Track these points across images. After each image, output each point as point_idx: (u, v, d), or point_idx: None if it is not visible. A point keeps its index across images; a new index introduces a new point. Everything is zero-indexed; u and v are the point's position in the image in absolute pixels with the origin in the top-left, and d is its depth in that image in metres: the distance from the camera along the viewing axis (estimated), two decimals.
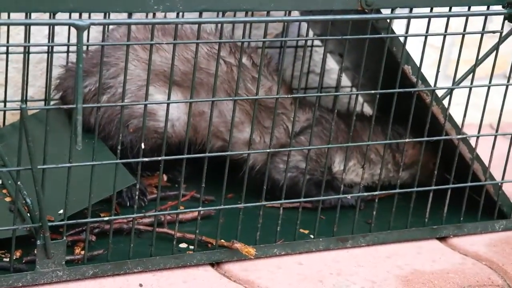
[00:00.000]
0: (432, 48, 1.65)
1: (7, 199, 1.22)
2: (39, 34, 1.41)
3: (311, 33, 1.50)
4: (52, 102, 1.29)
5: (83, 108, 0.97)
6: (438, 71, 1.24)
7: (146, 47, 1.25)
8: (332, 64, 1.62)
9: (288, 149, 1.19)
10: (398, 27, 1.43)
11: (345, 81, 1.58)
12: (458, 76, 1.27)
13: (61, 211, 1.12)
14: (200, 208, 1.18)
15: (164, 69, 1.25)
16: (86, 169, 1.08)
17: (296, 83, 1.59)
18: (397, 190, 1.28)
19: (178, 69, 1.25)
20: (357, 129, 1.33)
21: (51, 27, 1.02)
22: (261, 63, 1.12)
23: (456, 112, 1.35)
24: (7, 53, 1.34)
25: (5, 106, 1.36)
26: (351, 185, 1.37)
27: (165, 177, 1.37)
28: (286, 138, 1.31)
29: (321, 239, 1.26)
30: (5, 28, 1.32)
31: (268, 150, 1.18)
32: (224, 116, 1.28)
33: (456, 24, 1.60)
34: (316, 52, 1.63)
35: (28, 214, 1.14)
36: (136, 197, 1.13)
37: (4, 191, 1.24)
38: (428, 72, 1.49)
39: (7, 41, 1.33)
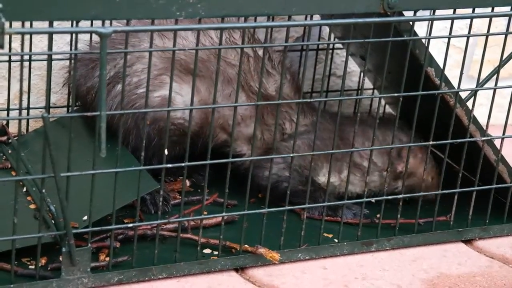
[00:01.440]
0: (454, 49, 1.64)
1: (32, 206, 1.23)
2: (61, 41, 1.42)
3: (332, 35, 1.49)
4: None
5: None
6: (461, 73, 1.23)
7: (164, 34, 1.24)
8: (353, 66, 1.61)
9: (270, 156, 1.17)
10: (420, 29, 1.42)
11: (367, 83, 1.57)
12: (481, 76, 1.26)
13: (85, 218, 1.12)
14: (224, 214, 1.18)
15: (180, 57, 1.24)
16: (109, 174, 1.08)
17: (317, 86, 1.58)
18: (421, 193, 1.27)
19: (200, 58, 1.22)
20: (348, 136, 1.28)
21: (74, 34, 1.02)
22: (283, 68, 1.12)
23: (479, 113, 1.34)
24: (29, 60, 1.34)
25: (28, 113, 1.37)
26: (353, 197, 1.32)
27: (188, 182, 1.37)
28: (280, 139, 1.30)
29: (345, 243, 1.25)
30: (28, 35, 1.33)
31: (250, 158, 1.15)
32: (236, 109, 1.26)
33: (479, 23, 1.59)
34: (337, 55, 1.62)
35: (53, 221, 1.14)
36: (160, 203, 1.13)
37: (29, 198, 1.25)
38: (451, 73, 1.48)
39: (30, 49, 1.34)
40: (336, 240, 1.26)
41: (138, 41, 1.24)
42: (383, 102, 1.56)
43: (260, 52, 1.28)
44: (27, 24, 1.18)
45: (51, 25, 0.97)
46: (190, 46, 1.23)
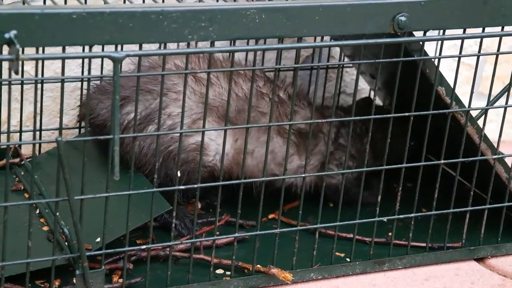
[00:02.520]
0: (464, 65, 1.64)
1: (45, 228, 1.23)
2: (73, 63, 1.43)
3: (342, 53, 1.49)
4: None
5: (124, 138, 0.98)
6: (472, 92, 1.23)
7: (200, 80, 1.25)
8: (363, 84, 1.61)
9: (281, 177, 1.19)
10: (431, 47, 1.43)
11: (377, 101, 1.57)
12: (492, 93, 1.26)
13: (99, 239, 1.12)
14: (236, 234, 1.18)
15: (217, 104, 1.26)
16: (123, 196, 1.08)
17: (327, 103, 1.59)
18: (433, 212, 1.27)
19: (231, 106, 1.24)
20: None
21: (88, 59, 1.03)
22: (295, 87, 1.12)
23: (490, 129, 1.34)
24: (42, 83, 1.35)
25: (40, 134, 1.37)
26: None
27: (199, 205, 1.38)
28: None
29: (357, 263, 1.25)
30: None
31: (261, 179, 1.17)
32: (275, 154, 1.30)
33: (488, 41, 1.59)
34: (347, 73, 1.63)
35: (66, 243, 1.15)
36: (188, 224, 1.17)
37: (42, 220, 1.25)
38: (461, 89, 1.48)
39: (42, 72, 1.35)
40: (349, 259, 1.26)
41: (172, 83, 1.25)
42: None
43: (281, 94, 1.32)
44: (40, 48, 1.18)
45: (64, 50, 0.98)
46: (224, 93, 1.25)
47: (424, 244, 1.29)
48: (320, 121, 1.25)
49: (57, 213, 1.06)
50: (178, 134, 1.11)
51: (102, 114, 1.28)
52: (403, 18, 1.11)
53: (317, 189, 1.28)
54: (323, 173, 1.21)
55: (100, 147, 1.29)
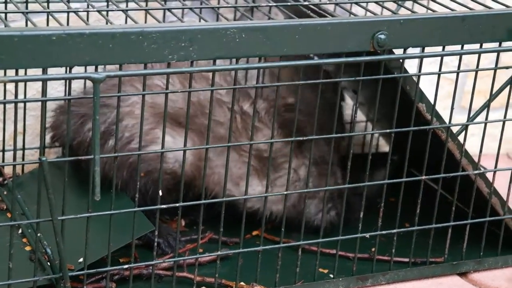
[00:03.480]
0: (446, 80, 1.65)
1: (27, 248, 1.23)
2: (55, 82, 1.43)
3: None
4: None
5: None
6: (452, 108, 1.24)
7: (152, 88, 1.25)
8: (346, 99, 1.62)
9: (264, 194, 1.18)
10: (411, 63, 1.44)
11: (360, 115, 1.58)
12: (472, 108, 1.27)
13: (81, 260, 1.12)
14: (219, 253, 1.18)
15: (169, 111, 1.25)
16: (105, 215, 1.08)
17: None
18: (415, 228, 1.28)
19: (184, 112, 1.22)
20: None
21: (68, 80, 1.03)
22: (275, 109, 1.13)
23: (471, 143, 1.35)
24: (24, 102, 1.35)
25: (23, 153, 1.37)
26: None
27: (183, 222, 1.38)
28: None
29: (340, 279, 1.25)
30: None
31: (243, 197, 1.17)
32: (230, 169, 1.25)
33: (469, 56, 1.60)
34: None
35: (48, 263, 1.15)
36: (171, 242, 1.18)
37: (24, 240, 1.25)
38: (442, 103, 1.49)
39: (25, 91, 1.35)
40: (332, 276, 1.26)
41: (127, 97, 1.25)
42: (375, 134, 1.57)
43: (246, 107, 1.30)
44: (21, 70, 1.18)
45: (44, 71, 0.99)
46: (178, 100, 1.25)
47: (407, 260, 1.30)
48: (281, 140, 1.23)
49: (39, 234, 1.05)
50: (136, 146, 1.10)
51: (64, 135, 1.28)
52: (382, 36, 1.12)
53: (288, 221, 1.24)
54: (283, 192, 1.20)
55: (84, 169, 1.29)
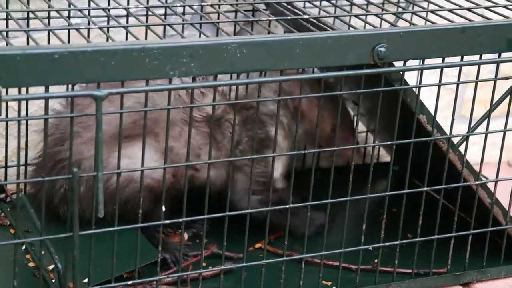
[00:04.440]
0: (446, 90, 1.66)
1: (31, 264, 1.23)
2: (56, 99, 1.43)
3: None
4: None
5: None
6: (453, 119, 1.25)
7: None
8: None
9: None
10: (412, 74, 1.44)
11: (361, 126, 1.59)
12: (473, 117, 1.27)
13: (86, 280, 1.12)
14: (222, 267, 1.18)
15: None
16: (111, 237, 1.08)
17: None
18: (418, 239, 1.28)
19: (127, 122, 1.21)
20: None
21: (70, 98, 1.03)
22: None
23: (472, 152, 1.35)
24: (26, 119, 1.35)
25: (26, 169, 1.37)
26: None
27: (186, 236, 1.38)
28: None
29: None
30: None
31: (247, 211, 1.16)
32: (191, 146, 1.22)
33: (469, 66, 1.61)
34: None
35: (53, 280, 1.15)
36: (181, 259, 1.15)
37: (28, 256, 1.25)
38: (442, 113, 1.49)
39: (27, 107, 1.35)
40: None
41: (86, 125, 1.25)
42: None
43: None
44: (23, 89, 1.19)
45: (47, 89, 0.99)
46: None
47: (410, 270, 1.30)
48: (224, 103, 1.23)
49: (42, 252, 1.06)
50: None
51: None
52: (382, 49, 1.12)
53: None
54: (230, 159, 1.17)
55: None
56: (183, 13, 1.44)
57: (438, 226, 1.29)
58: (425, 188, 1.25)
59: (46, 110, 1.00)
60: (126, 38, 1.37)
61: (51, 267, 1.20)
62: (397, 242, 1.27)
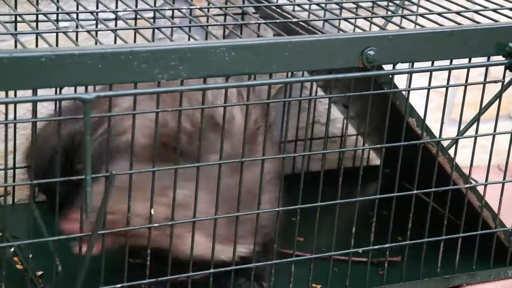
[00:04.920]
0: (436, 93, 1.66)
1: (19, 266, 1.23)
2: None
3: (314, 84, 1.51)
4: None
5: None
6: (442, 122, 1.25)
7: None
8: (336, 113, 1.63)
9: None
10: (401, 77, 1.44)
11: (351, 129, 1.59)
12: (463, 120, 1.27)
13: None
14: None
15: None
16: None
17: (301, 134, 1.60)
18: (408, 242, 1.28)
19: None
20: None
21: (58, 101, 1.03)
22: (267, 124, 1.13)
23: (462, 155, 1.35)
24: (14, 122, 1.35)
25: (14, 172, 1.37)
26: None
27: None
28: None
29: None
30: None
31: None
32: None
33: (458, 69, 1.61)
34: (320, 103, 1.64)
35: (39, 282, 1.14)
36: None
37: (15, 258, 1.25)
38: (432, 116, 1.50)
39: (15, 115, 1.35)
40: None
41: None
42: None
43: None
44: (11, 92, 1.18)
45: (34, 92, 0.99)
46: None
47: (400, 273, 1.30)
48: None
49: (30, 255, 1.05)
50: None
51: None
52: (371, 52, 1.12)
53: None
54: None
55: None
56: (172, 17, 1.43)
57: (427, 229, 1.29)
58: (415, 191, 1.25)
59: (33, 113, 0.99)
60: (115, 42, 1.37)
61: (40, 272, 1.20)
62: (387, 245, 1.27)
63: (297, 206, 1.22)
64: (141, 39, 1.15)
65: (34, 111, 1.00)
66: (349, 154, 1.65)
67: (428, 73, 1.20)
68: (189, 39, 1.20)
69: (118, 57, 1.00)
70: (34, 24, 1.29)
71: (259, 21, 1.24)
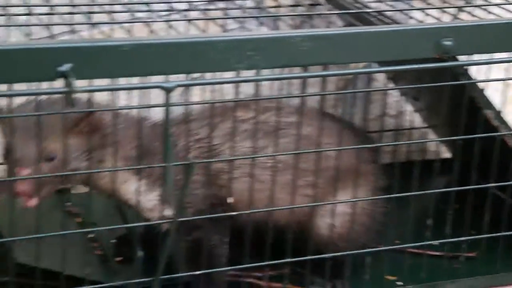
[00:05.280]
0: (508, 86, 1.63)
1: (98, 252, 1.25)
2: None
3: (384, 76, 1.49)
4: None
5: None
6: None
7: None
8: (405, 106, 1.61)
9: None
10: (478, 69, 1.41)
11: (418, 121, 1.57)
12: None
13: None
14: None
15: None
16: None
17: (370, 126, 1.59)
18: (484, 236, 1.26)
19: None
20: None
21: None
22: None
23: None
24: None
25: None
26: None
27: None
28: None
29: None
30: None
31: None
32: None
33: None
34: (390, 95, 1.62)
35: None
36: None
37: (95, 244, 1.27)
38: (505, 108, 1.46)
39: None
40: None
41: None
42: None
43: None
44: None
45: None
46: None
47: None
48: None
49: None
50: None
51: None
52: (448, 43, 1.10)
53: None
54: None
55: None
56: (242, 7, 1.44)
57: (504, 225, 1.26)
58: (492, 184, 1.23)
59: (114, 102, 1.01)
60: (188, 32, 1.38)
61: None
62: (463, 238, 1.25)
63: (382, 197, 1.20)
64: (214, 29, 1.15)
65: (114, 100, 1.01)
66: (417, 146, 1.63)
67: (504, 65, 1.18)
68: (260, 29, 1.20)
69: (195, 47, 1.01)
70: (111, 15, 1.31)
71: (333, 12, 1.24)
